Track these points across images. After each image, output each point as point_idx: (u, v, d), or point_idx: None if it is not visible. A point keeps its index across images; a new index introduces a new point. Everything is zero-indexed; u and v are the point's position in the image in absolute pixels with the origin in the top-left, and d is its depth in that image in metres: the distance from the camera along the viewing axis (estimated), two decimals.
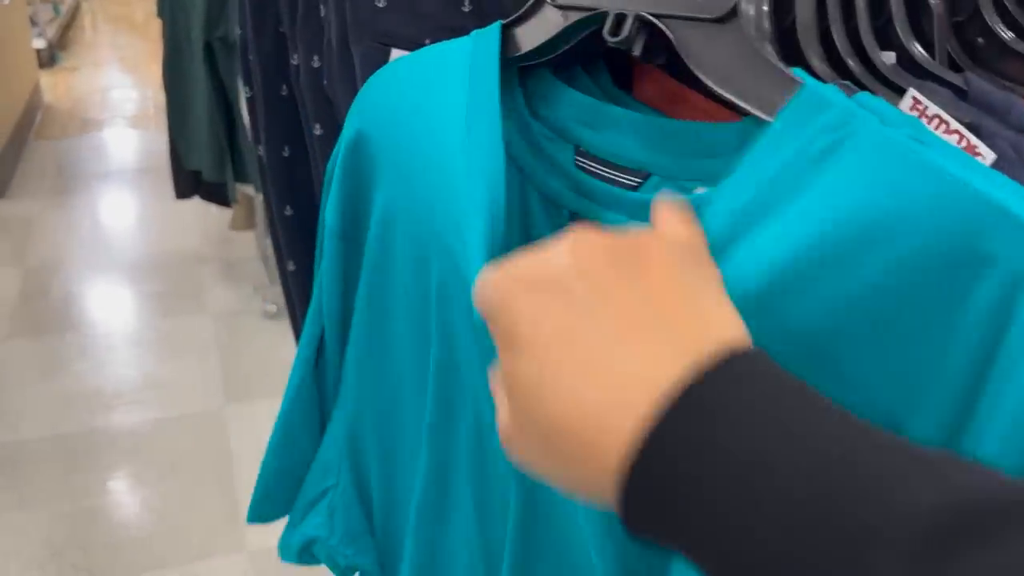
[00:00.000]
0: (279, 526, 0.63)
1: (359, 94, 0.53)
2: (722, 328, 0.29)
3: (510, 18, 0.48)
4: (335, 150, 0.54)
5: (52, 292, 2.81)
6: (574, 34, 0.46)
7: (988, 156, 0.41)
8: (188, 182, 2.54)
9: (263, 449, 0.63)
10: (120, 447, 2.15)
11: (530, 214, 0.47)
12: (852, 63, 0.45)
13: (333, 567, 0.63)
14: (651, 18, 0.41)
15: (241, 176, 2.36)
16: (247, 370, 2.44)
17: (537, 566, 0.51)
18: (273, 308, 2.69)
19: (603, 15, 0.43)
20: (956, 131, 0.42)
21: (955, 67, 0.49)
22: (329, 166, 0.57)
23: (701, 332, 0.28)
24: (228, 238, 3.14)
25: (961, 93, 0.45)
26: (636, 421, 0.26)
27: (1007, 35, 0.50)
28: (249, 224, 2.72)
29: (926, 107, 0.42)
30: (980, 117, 0.44)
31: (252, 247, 2.99)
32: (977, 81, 0.45)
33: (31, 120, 4.05)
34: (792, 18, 0.44)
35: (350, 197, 0.54)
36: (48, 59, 4.79)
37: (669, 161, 0.46)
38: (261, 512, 0.63)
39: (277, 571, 1.80)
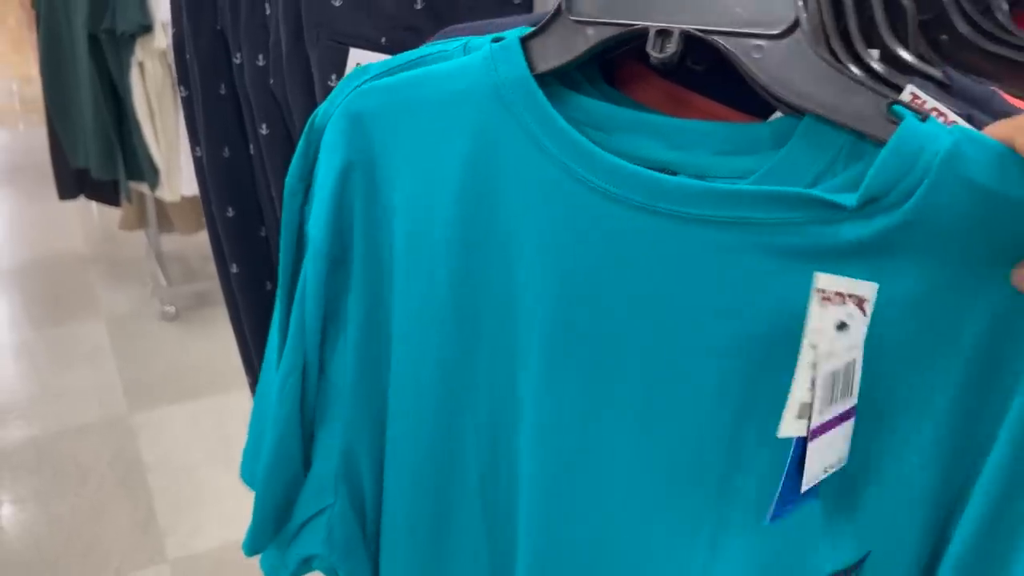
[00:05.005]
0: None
1: (342, 122, 0.51)
2: None
3: (527, 33, 0.48)
4: (323, 175, 0.53)
5: None
6: (603, 49, 0.47)
7: None
8: (73, 181, 2.43)
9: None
10: (18, 462, 2.04)
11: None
12: (853, 67, 0.47)
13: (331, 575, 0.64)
14: (701, 35, 0.42)
15: (133, 173, 2.26)
16: (151, 376, 2.36)
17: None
18: (172, 310, 2.60)
19: (642, 31, 0.44)
20: (954, 121, 0.46)
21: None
22: (291, 182, 0.56)
23: None
24: (113, 238, 3.01)
25: (944, 87, 0.48)
26: None
27: (966, 30, 0.53)
28: (141, 223, 2.61)
29: (924, 101, 0.46)
30: (967, 108, 0.47)
31: (140, 246, 2.87)
32: (956, 75, 0.49)
33: None
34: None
35: (341, 221, 0.53)
36: None
37: (696, 160, 0.48)
38: (257, 543, 0.62)
39: None
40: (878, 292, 0.41)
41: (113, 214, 2.75)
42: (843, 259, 0.41)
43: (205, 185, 0.93)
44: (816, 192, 0.41)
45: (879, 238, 0.40)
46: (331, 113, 0.52)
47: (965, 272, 0.41)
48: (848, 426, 0.43)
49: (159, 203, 2.48)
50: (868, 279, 0.41)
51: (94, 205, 3.08)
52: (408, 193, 0.52)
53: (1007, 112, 0.48)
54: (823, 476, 0.43)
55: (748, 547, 0.48)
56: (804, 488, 0.43)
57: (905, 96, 0.46)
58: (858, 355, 0.41)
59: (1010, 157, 0.40)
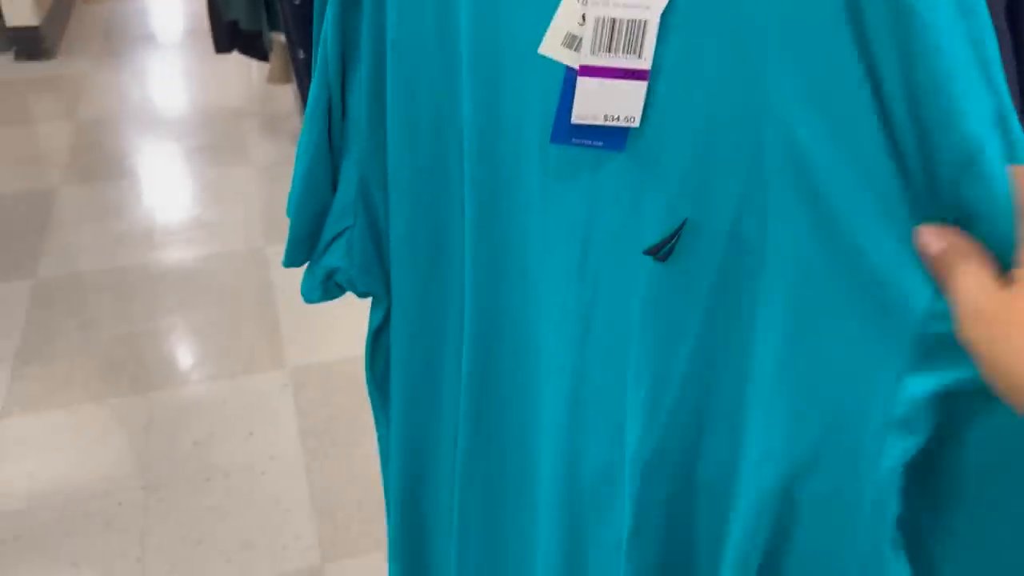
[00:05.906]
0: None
1: None
2: None
3: None
4: None
5: (104, 144, 2.95)
6: None
7: None
8: (226, 34, 2.62)
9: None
10: (171, 278, 2.31)
11: None
12: None
13: (352, 290, 0.73)
14: None
15: (275, 23, 2.43)
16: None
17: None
18: None
19: None
20: None
21: None
22: None
23: None
24: (269, 95, 3.24)
25: None
26: None
27: None
28: (286, 77, 2.80)
29: None
30: None
31: (291, 102, 3.09)
32: None
33: None
34: None
35: None
36: None
37: None
38: (291, 258, 0.71)
39: (312, 383, 1.97)
40: None
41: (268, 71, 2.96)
42: None
43: None
44: None
45: None
46: None
47: None
48: (638, 86, 0.45)
49: None
50: None
51: (253, 66, 3.31)
52: None
53: None
54: (603, 122, 0.47)
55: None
56: (575, 120, 0.47)
57: None
58: (651, 17, 0.44)
59: None
